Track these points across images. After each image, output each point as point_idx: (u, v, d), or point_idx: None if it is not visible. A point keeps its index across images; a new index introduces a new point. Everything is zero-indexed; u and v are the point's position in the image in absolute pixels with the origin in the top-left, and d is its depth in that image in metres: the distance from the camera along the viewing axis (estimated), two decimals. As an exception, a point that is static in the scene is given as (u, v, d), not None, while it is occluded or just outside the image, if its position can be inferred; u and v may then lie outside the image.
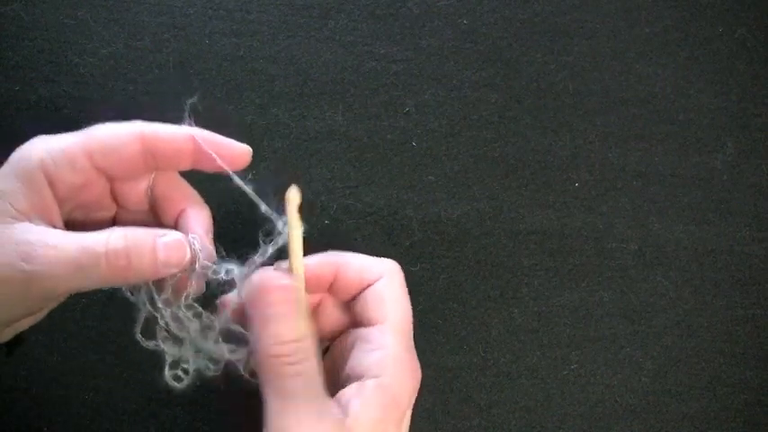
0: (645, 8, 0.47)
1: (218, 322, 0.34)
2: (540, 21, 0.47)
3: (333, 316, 0.36)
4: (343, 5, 0.47)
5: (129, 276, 0.31)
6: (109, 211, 0.35)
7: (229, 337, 0.34)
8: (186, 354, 0.34)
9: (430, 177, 0.46)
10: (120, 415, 0.44)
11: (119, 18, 0.46)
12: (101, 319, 0.44)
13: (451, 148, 0.46)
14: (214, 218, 0.36)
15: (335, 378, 0.33)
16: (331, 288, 0.35)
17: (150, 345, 0.34)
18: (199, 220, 0.35)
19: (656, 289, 0.45)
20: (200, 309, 0.34)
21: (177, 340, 0.34)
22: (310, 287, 0.33)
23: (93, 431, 0.44)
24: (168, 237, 0.32)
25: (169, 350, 0.33)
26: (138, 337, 0.34)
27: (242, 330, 0.33)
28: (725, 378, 0.45)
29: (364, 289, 0.34)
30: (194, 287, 0.33)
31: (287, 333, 0.30)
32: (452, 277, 0.45)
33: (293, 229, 0.32)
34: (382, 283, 0.34)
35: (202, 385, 0.43)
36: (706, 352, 0.45)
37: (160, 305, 0.33)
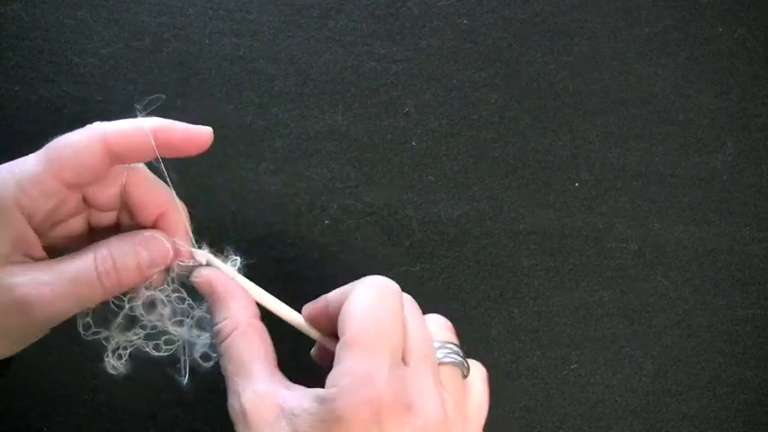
0: (645, 8, 0.47)
1: (191, 310, 0.35)
2: (540, 21, 0.47)
3: None
4: (343, 5, 0.47)
5: (120, 290, 0.33)
6: (82, 215, 0.35)
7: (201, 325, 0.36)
8: (134, 339, 0.35)
9: (430, 177, 0.46)
10: (120, 415, 0.44)
11: (119, 18, 0.46)
12: (101, 319, 0.44)
13: (451, 148, 0.46)
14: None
15: None
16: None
17: (90, 336, 0.35)
18: (176, 223, 0.35)
19: (656, 289, 0.45)
20: (184, 294, 0.35)
21: (126, 328, 0.35)
22: (324, 329, 0.35)
23: (93, 431, 0.44)
24: (148, 239, 0.33)
25: (116, 337, 0.35)
26: (80, 329, 0.34)
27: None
28: (725, 378, 0.45)
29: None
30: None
31: (223, 312, 0.33)
32: (452, 277, 0.45)
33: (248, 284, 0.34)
34: (350, 296, 0.32)
35: (202, 385, 0.43)
36: (706, 352, 0.45)
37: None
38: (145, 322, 0.35)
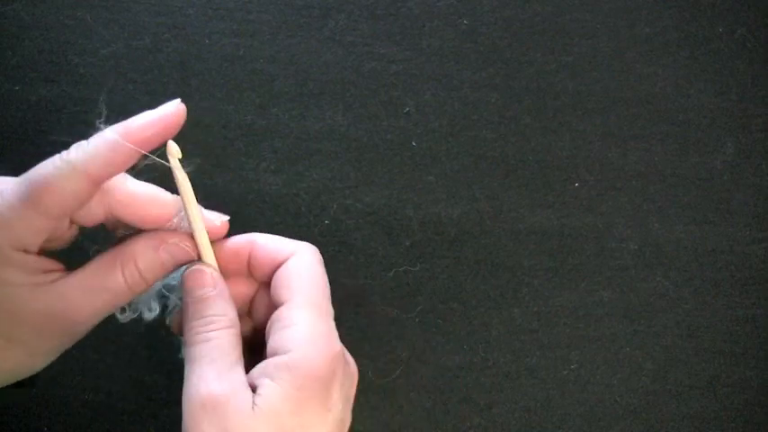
0: (645, 8, 0.47)
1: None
2: (540, 21, 0.47)
3: (264, 305, 0.36)
4: (343, 5, 0.47)
5: (146, 289, 0.34)
6: (72, 232, 0.35)
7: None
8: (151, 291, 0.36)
9: (430, 177, 0.46)
10: (120, 415, 0.44)
11: (119, 18, 0.46)
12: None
13: (451, 148, 0.46)
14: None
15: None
16: (248, 269, 0.36)
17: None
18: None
19: (656, 289, 0.45)
20: None
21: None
22: (227, 264, 0.35)
23: (94, 431, 0.44)
24: (171, 247, 0.34)
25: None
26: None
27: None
28: (725, 378, 0.45)
29: (276, 269, 0.34)
30: None
31: (202, 310, 0.33)
32: (452, 277, 0.45)
33: (182, 181, 0.33)
34: (291, 261, 0.34)
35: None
36: (706, 352, 0.45)
37: None
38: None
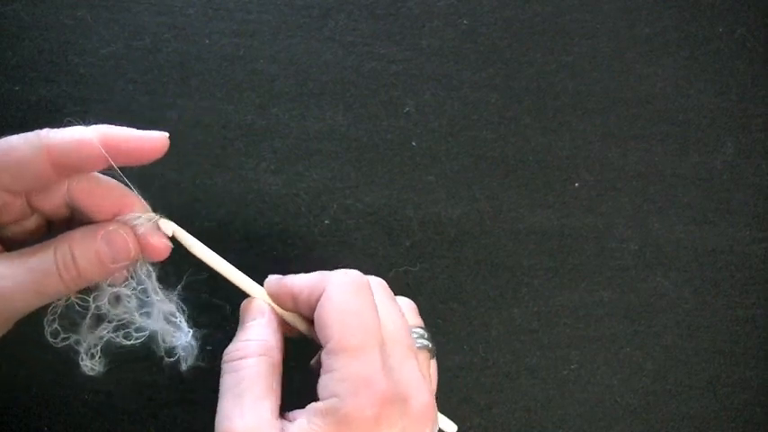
0: (645, 8, 0.47)
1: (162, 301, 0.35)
2: (540, 21, 0.47)
3: None
4: (343, 5, 0.47)
5: (82, 284, 0.32)
6: (31, 220, 0.34)
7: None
8: (103, 334, 0.34)
9: (430, 177, 0.46)
10: (120, 415, 0.44)
11: (119, 18, 0.46)
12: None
13: (451, 148, 0.46)
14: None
15: None
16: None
17: (60, 342, 0.34)
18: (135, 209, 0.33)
19: (656, 289, 0.45)
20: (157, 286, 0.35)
21: (94, 327, 0.34)
22: (286, 307, 0.35)
23: (94, 431, 0.44)
24: (110, 234, 0.32)
25: (87, 338, 0.34)
26: (48, 337, 0.34)
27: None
28: (725, 378, 0.45)
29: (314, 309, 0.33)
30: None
31: (237, 336, 0.33)
32: (452, 277, 0.45)
33: (202, 252, 0.33)
34: (321, 300, 0.32)
35: (203, 385, 0.43)
36: (706, 352, 0.45)
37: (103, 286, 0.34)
38: (111, 317, 0.34)
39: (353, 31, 0.46)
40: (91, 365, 0.34)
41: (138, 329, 0.35)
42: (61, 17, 0.46)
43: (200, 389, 0.43)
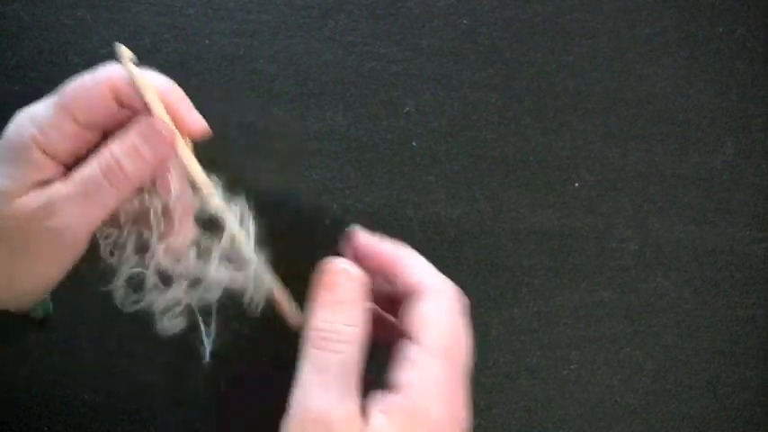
0: (645, 8, 0.47)
1: (216, 246, 0.34)
2: (540, 21, 0.47)
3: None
4: (343, 5, 0.47)
5: (129, 185, 0.32)
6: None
7: (230, 259, 0.34)
8: (178, 294, 0.34)
9: (430, 177, 0.46)
10: (120, 415, 0.44)
11: (119, 18, 0.46)
12: (100, 319, 0.44)
13: (451, 148, 0.46)
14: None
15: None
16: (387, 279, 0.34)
17: (131, 307, 0.33)
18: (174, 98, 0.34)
19: (656, 289, 0.45)
20: (196, 232, 0.34)
21: (165, 285, 0.34)
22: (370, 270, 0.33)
23: (94, 431, 0.44)
24: (145, 132, 0.32)
25: (159, 298, 0.33)
26: (119, 297, 0.33)
27: (244, 254, 0.33)
28: (725, 378, 0.45)
29: (410, 297, 0.33)
30: (185, 229, 0.34)
31: (340, 317, 0.31)
32: (452, 277, 0.45)
33: (146, 90, 0.32)
34: (433, 302, 0.32)
35: (202, 385, 0.43)
36: (706, 352, 0.45)
37: (154, 242, 0.33)
38: (180, 273, 0.34)
39: (353, 31, 0.46)
40: (169, 325, 0.33)
41: (213, 285, 0.34)
42: (61, 17, 0.46)
43: (199, 389, 0.43)
